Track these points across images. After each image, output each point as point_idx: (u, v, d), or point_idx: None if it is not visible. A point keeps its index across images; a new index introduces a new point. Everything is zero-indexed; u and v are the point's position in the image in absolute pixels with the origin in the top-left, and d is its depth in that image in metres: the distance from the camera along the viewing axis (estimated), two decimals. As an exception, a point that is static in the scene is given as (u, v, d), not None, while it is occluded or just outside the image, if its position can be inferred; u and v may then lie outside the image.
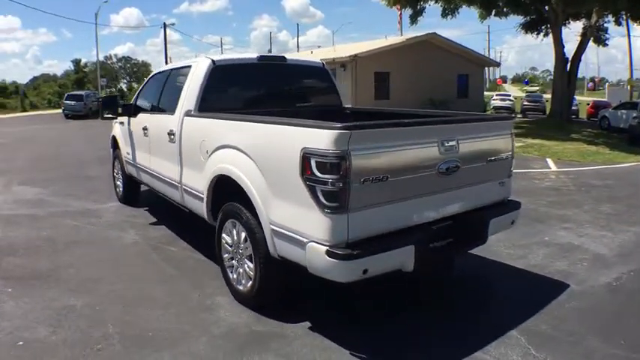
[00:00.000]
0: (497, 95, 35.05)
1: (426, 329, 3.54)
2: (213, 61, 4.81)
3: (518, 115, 29.58)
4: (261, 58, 5.15)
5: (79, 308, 3.87)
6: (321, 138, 2.87)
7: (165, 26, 46.34)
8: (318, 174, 2.89)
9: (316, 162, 2.90)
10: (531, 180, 9.07)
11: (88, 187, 8.64)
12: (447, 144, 3.38)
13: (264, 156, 3.45)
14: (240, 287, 3.87)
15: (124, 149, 6.90)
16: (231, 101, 4.97)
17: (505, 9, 20.97)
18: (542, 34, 24.03)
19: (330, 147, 2.84)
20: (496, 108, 30.25)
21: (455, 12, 21.32)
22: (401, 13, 28.97)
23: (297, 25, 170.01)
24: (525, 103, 31.11)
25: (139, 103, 6.38)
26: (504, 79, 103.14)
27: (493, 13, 21.43)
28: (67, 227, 6.18)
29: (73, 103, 31.27)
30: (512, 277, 4.57)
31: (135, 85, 65.80)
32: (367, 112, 6.06)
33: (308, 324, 3.56)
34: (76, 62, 66.03)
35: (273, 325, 3.55)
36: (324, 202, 2.90)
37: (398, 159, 3.12)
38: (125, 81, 78.88)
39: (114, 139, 7.41)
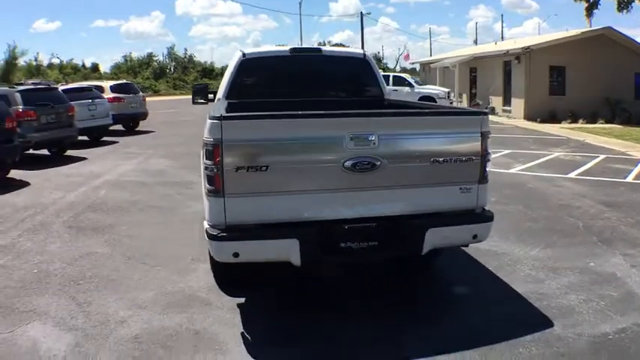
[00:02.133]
0: None
1: (338, 334, 3.43)
2: (243, 54, 5.31)
3: None
4: (294, 50, 5.45)
5: (97, 254, 4.87)
6: (206, 127, 3.19)
7: (362, 15, 49.02)
8: (204, 159, 3.25)
9: (205, 149, 3.24)
10: (647, 193, 7.52)
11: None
12: (359, 139, 3.24)
13: None
14: (211, 258, 4.37)
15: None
16: (260, 92, 5.35)
17: None
18: None
19: (209, 135, 3.15)
20: None
21: (629, 6, 18.38)
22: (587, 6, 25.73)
23: (502, 15, 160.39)
24: None
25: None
26: None
27: None
28: (158, 194, 7.44)
29: None
30: (497, 301, 3.95)
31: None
32: (406, 106, 5.84)
33: (241, 300, 3.86)
34: (276, 49, 73.45)
35: (215, 296, 3.95)
36: (207, 185, 3.25)
37: (282, 151, 3.21)
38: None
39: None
